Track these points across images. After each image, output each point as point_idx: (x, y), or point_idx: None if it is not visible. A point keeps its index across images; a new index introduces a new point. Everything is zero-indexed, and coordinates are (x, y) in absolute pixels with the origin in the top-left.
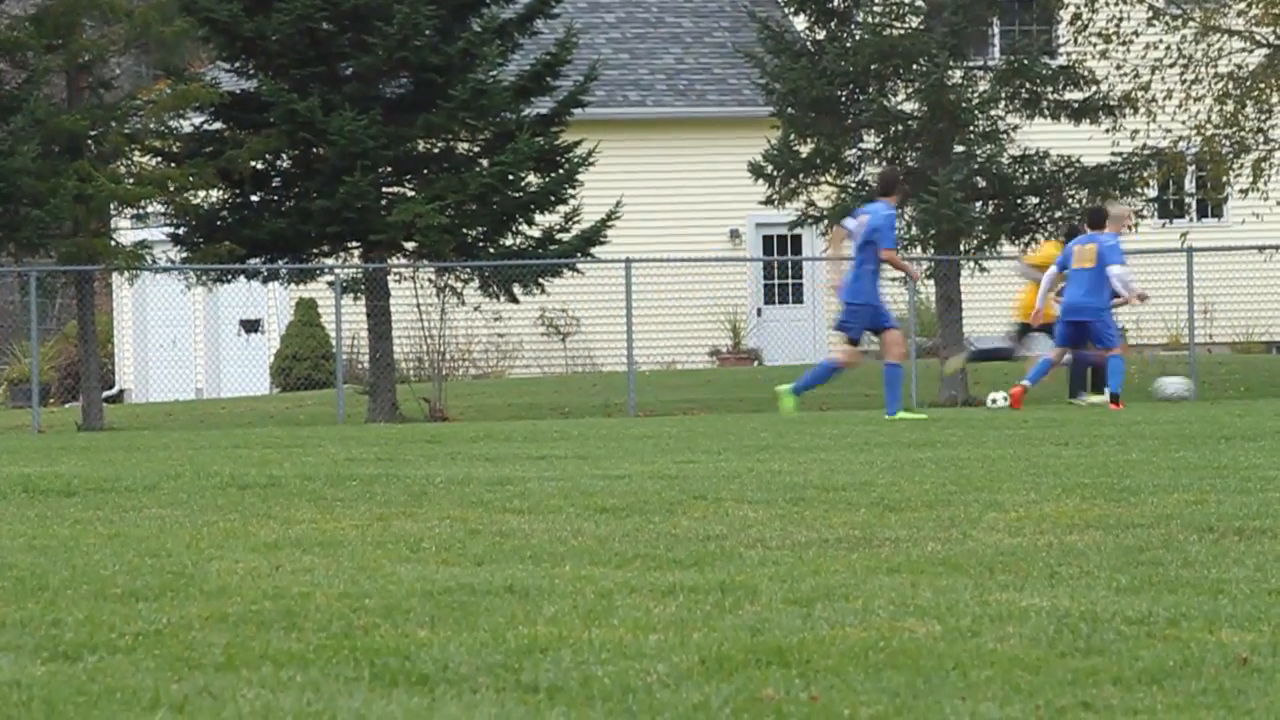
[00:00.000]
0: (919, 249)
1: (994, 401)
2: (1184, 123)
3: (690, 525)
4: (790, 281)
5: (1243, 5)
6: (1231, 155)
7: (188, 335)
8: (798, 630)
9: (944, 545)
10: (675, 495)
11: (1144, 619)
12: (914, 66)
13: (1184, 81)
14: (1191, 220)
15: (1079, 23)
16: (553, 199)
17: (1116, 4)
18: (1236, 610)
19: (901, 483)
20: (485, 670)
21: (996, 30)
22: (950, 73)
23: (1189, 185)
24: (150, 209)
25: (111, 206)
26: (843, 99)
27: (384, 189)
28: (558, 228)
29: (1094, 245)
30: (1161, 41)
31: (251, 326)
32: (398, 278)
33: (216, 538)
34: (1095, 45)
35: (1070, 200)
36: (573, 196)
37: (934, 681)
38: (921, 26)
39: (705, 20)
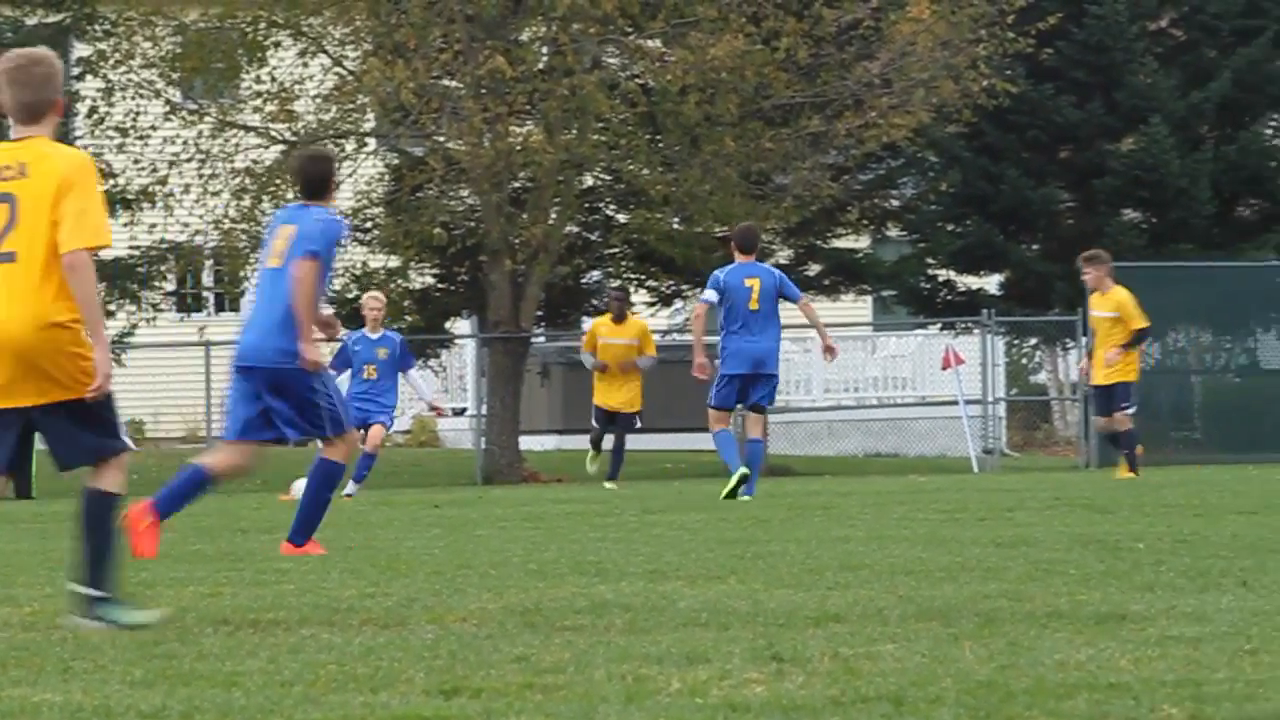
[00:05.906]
0: None
1: None
2: (202, 217)
3: None
4: None
5: (259, 102)
6: (249, 249)
7: None
8: None
9: None
10: None
11: (158, 712)
12: None
13: (202, 176)
14: (210, 314)
15: (96, 115)
16: None
17: (134, 98)
18: (249, 702)
19: None
20: None
21: None
22: None
23: (207, 279)
24: None
25: None
26: None
27: None
28: None
29: None
30: (179, 136)
31: None
32: None
33: None
34: (113, 139)
35: None
36: None
37: None
38: None
39: None
